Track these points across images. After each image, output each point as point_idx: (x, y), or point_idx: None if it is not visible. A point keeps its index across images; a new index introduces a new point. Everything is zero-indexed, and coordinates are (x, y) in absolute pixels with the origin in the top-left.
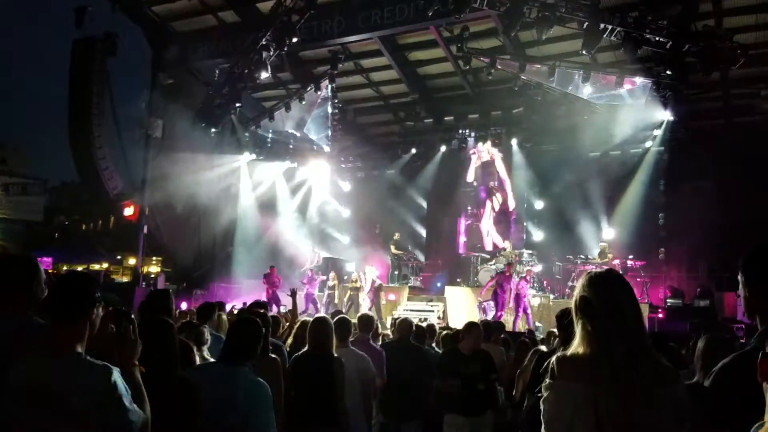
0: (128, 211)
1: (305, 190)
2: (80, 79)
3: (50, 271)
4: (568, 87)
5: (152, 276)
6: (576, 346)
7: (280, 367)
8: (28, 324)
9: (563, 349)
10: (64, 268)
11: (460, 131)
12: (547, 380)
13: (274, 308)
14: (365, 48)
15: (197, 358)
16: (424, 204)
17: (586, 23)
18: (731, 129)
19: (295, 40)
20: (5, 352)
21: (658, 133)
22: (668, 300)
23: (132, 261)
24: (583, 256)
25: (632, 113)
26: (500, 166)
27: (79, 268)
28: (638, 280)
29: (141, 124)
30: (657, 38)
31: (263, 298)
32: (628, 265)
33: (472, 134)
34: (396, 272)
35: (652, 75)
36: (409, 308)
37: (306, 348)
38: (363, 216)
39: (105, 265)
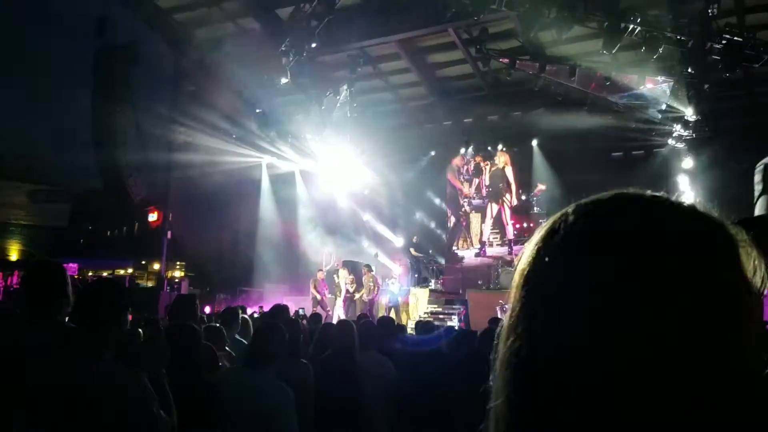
0: (152, 217)
1: (324, 194)
2: (103, 87)
3: (76, 276)
4: (589, 87)
5: (176, 280)
6: None
7: (311, 371)
8: (57, 329)
9: None
10: (90, 273)
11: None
12: None
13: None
14: (384, 52)
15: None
16: (444, 206)
17: (606, 23)
18: (756, 127)
19: (314, 45)
20: (35, 356)
21: (682, 132)
22: None
23: (156, 266)
24: None
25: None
26: (510, 172)
27: (105, 274)
28: None
29: (163, 131)
30: (678, 37)
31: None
32: None
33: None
34: (416, 275)
35: (673, 74)
36: (429, 311)
37: (329, 351)
38: (382, 219)
39: (130, 271)
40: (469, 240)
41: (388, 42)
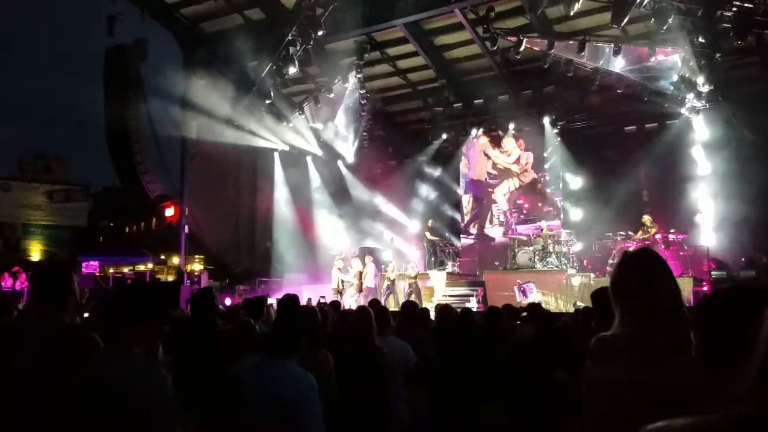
0: (169, 212)
1: (337, 181)
2: (115, 85)
3: (98, 274)
4: (600, 61)
5: (196, 274)
6: (615, 327)
7: (331, 361)
8: (58, 325)
9: (596, 327)
10: (111, 270)
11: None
12: (588, 362)
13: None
14: (390, 36)
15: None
16: (458, 189)
17: None
18: None
19: (320, 33)
20: (38, 353)
21: (695, 102)
22: (713, 272)
23: (175, 260)
24: (623, 233)
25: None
26: (516, 156)
27: (126, 270)
28: (681, 254)
29: (176, 126)
30: (688, 6)
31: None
32: (671, 239)
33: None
34: (432, 259)
35: (684, 44)
36: (447, 294)
37: (348, 339)
38: (396, 204)
39: (150, 266)
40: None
41: (394, 26)
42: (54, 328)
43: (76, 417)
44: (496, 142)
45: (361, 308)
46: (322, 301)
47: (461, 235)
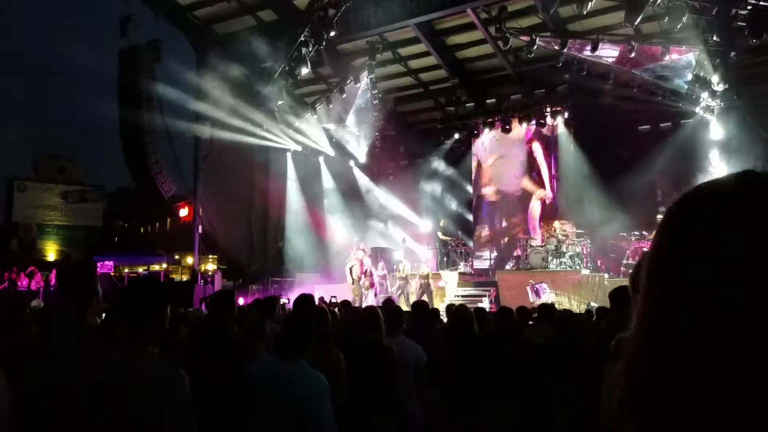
0: (183, 213)
1: (349, 181)
2: (129, 86)
3: (112, 274)
4: (613, 61)
5: (209, 274)
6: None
7: (343, 361)
8: (85, 326)
9: (608, 326)
10: (126, 270)
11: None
12: (609, 364)
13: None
14: (402, 36)
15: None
16: (470, 189)
17: None
18: None
19: (332, 33)
20: (66, 353)
21: (710, 102)
22: None
23: (189, 260)
24: (637, 233)
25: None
26: (539, 157)
27: (140, 270)
28: None
29: (189, 127)
30: (702, 4)
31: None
32: None
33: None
34: (445, 259)
35: (698, 43)
36: (460, 294)
37: (357, 338)
38: (408, 204)
39: (164, 266)
40: None
41: (406, 26)
42: (80, 329)
43: (91, 416)
44: (508, 141)
45: (369, 308)
46: (333, 300)
47: (473, 235)
